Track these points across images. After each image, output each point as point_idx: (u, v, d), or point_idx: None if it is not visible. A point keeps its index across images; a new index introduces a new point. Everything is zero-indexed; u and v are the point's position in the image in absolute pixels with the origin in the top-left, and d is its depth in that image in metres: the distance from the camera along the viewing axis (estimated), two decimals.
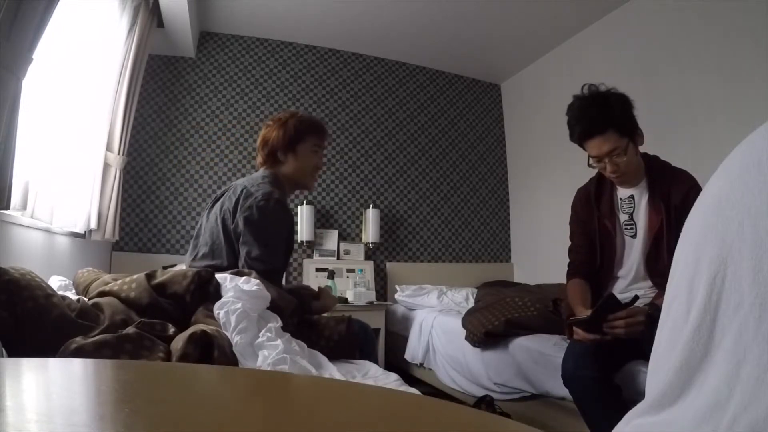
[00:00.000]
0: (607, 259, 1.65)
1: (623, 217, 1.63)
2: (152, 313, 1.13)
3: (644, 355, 1.45)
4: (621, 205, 1.64)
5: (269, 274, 1.45)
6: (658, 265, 1.53)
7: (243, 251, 1.50)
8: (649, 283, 1.59)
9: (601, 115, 1.50)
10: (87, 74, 2.13)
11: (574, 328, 1.46)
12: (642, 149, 1.64)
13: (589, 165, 1.59)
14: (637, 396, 1.33)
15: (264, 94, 3.59)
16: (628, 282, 1.63)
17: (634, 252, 1.60)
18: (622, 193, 1.65)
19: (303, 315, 1.51)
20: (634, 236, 1.61)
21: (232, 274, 1.33)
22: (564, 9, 3.13)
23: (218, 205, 1.63)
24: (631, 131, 1.52)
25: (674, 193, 1.52)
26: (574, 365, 1.43)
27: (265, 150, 1.68)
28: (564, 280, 1.76)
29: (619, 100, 1.52)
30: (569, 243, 1.78)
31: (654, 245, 1.54)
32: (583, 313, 1.45)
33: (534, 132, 3.86)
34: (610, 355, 1.43)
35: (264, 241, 1.49)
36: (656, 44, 2.82)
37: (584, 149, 1.58)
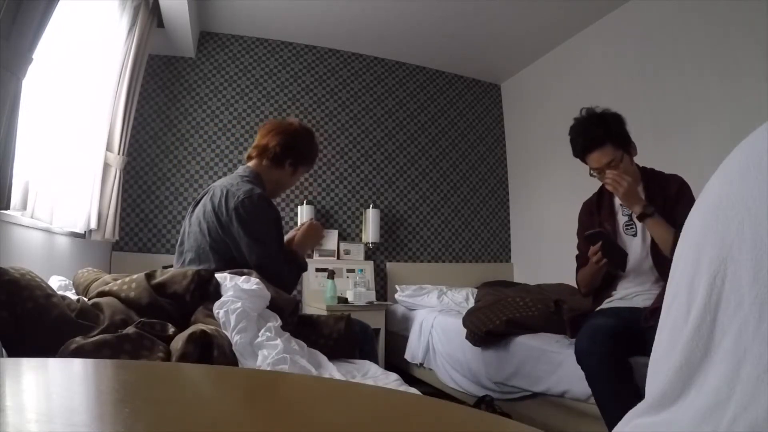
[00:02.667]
0: None
1: (623, 219, 1.75)
2: (152, 313, 1.13)
3: (649, 351, 1.46)
4: (621, 209, 1.77)
5: (276, 268, 1.49)
6: (661, 257, 1.61)
7: (246, 254, 1.51)
8: (652, 278, 1.67)
9: (599, 131, 1.67)
10: (87, 74, 2.13)
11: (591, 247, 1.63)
12: (642, 148, 1.75)
13: (591, 175, 1.75)
14: (644, 385, 1.33)
15: (264, 94, 3.59)
16: (632, 277, 1.71)
17: (634, 249, 1.70)
18: None
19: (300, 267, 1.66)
20: (634, 235, 1.71)
21: (231, 273, 1.33)
22: (564, 9, 3.13)
23: (199, 208, 1.62)
24: (625, 144, 1.68)
25: (667, 188, 1.67)
26: (590, 341, 1.48)
27: (284, 150, 1.66)
28: (564, 281, 1.81)
29: (613, 117, 1.70)
30: (573, 248, 1.88)
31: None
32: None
33: (534, 132, 3.86)
34: (624, 336, 1.47)
35: (260, 238, 1.51)
36: (656, 44, 2.81)
37: (585, 163, 1.73)
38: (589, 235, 1.64)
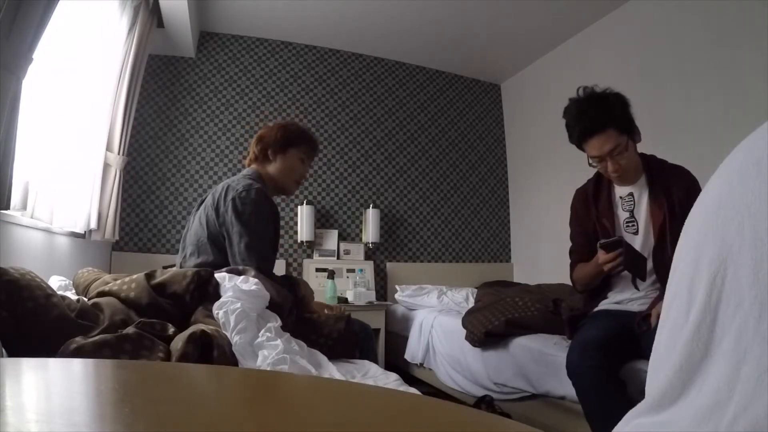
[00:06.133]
0: None
1: (624, 215, 1.64)
2: (152, 313, 1.13)
3: (645, 354, 1.45)
4: (621, 203, 1.65)
5: (261, 262, 1.48)
6: (663, 259, 1.51)
7: (235, 241, 1.53)
8: (648, 280, 1.57)
9: (601, 114, 1.50)
10: (87, 74, 2.13)
11: (599, 253, 1.50)
12: (641, 148, 1.64)
13: (590, 164, 1.60)
14: (637, 395, 1.33)
15: (264, 94, 3.59)
16: (627, 281, 1.61)
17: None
18: (621, 191, 1.65)
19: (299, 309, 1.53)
20: (635, 233, 1.60)
21: (229, 272, 1.33)
22: (564, 9, 3.13)
23: (202, 207, 1.67)
24: (630, 129, 1.53)
25: (676, 188, 1.54)
26: (580, 355, 1.42)
27: (258, 146, 1.75)
28: (564, 281, 1.78)
29: (617, 98, 1.54)
30: (570, 243, 1.78)
31: (660, 239, 1.53)
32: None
33: (534, 132, 3.86)
34: (616, 349, 1.43)
35: (251, 229, 1.53)
36: (656, 44, 2.81)
37: (583, 150, 1.59)
38: (606, 244, 1.47)
